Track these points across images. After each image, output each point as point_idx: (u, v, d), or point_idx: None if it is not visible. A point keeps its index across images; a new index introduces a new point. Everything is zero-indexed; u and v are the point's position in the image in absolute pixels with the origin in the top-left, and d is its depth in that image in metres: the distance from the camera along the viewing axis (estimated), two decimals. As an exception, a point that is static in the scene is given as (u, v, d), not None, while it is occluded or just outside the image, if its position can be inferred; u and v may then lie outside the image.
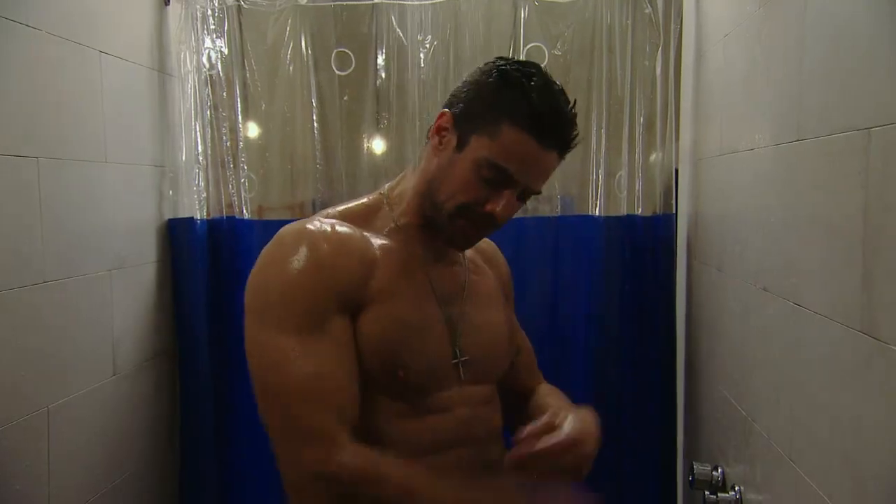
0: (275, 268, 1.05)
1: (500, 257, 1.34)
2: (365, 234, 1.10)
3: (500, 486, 1.08)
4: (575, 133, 1.07)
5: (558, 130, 1.04)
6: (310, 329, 1.00)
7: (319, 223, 1.07)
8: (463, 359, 1.11)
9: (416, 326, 1.08)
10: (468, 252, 1.22)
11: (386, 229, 1.12)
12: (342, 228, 1.07)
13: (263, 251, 1.08)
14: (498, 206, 1.04)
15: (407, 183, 1.15)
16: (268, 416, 1.04)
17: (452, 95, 1.12)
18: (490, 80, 1.06)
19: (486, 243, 1.29)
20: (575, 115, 1.07)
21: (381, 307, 1.05)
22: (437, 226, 1.09)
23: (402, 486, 1.01)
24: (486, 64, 1.11)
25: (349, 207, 1.15)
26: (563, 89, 1.07)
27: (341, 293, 1.03)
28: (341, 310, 1.03)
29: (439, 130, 1.09)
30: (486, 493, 1.07)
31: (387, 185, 1.19)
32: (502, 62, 1.08)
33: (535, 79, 1.04)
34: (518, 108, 1.02)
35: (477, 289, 1.19)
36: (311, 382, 0.99)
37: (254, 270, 1.07)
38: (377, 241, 1.10)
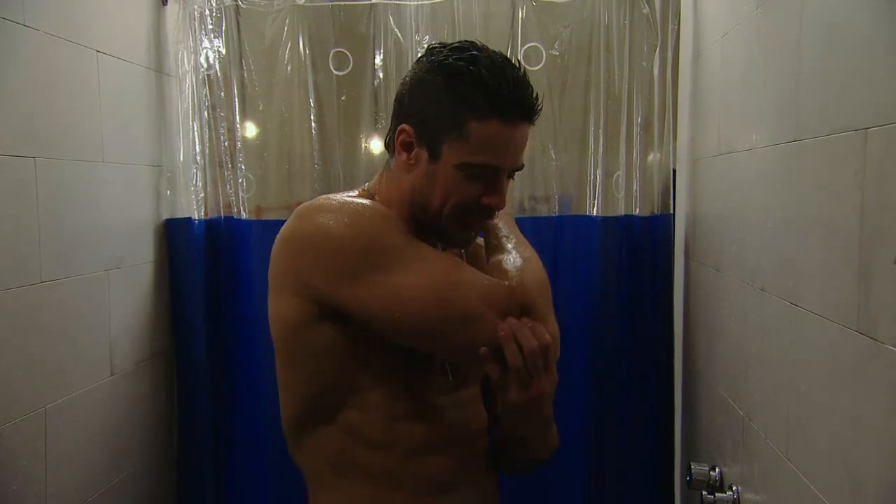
0: (340, 227, 1.01)
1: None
2: None
3: None
4: (534, 93, 1.03)
5: (520, 103, 1.01)
6: (408, 249, 1.02)
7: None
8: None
9: None
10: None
11: None
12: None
13: (300, 226, 1.04)
14: (494, 199, 1.05)
15: (387, 191, 1.11)
16: (437, 335, 1.02)
17: (402, 105, 1.07)
18: (438, 79, 1.02)
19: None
20: (526, 76, 1.03)
21: None
22: (438, 229, 1.08)
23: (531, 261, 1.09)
24: (420, 62, 1.07)
25: (348, 196, 1.12)
26: (505, 56, 1.04)
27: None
28: None
29: (403, 146, 1.06)
30: None
31: (367, 185, 1.15)
32: (437, 57, 1.03)
33: (478, 61, 1.00)
34: (475, 100, 0.99)
35: None
36: (449, 276, 1.01)
37: (301, 245, 1.03)
38: None
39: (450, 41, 1.07)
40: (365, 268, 0.99)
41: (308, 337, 1.05)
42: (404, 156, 1.06)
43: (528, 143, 1.07)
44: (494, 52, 1.04)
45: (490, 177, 1.03)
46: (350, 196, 1.09)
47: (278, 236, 1.06)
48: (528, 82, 1.03)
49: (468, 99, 0.99)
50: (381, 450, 1.08)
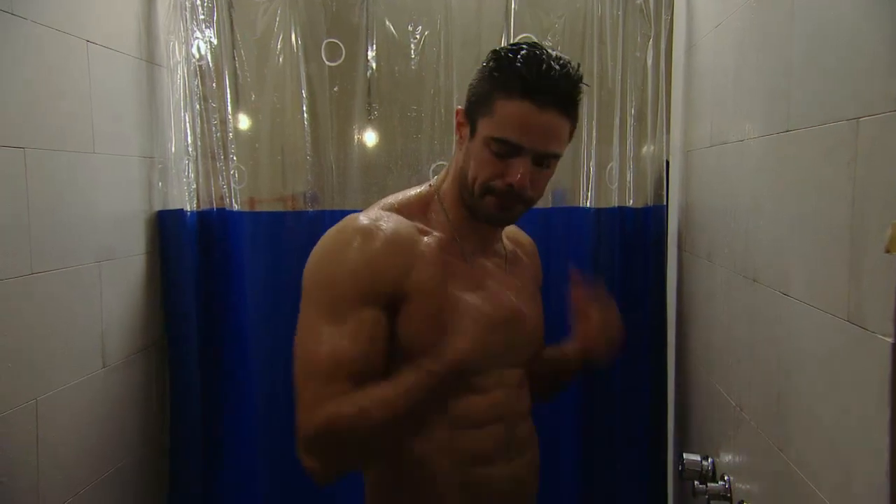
0: (329, 256, 1.13)
1: (536, 255, 1.45)
2: (419, 226, 1.18)
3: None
4: (574, 88, 1.11)
5: (550, 88, 1.08)
6: (338, 316, 1.08)
7: (376, 217, 1.15)
8: None
9: (464, 314, 1.14)
10: (508, 245, 1.32)
11: (439, 222, 1.21)
12: (396, 224, 1.14)
13: (326, 235, 1.16)
14: (514, 177, 1.11)
15: (449, 177, 1.24)
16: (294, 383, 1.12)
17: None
18: (485, 64, 1.14)
19: (526, 240, 1.43)
20: (573, 73, 1.10)
21: (424, 297, 1.12)
22: (473, 209, 1.18)
23: (374, 407, 1.06)
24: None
25: (407, 198, 1.23)
26: (558, 54, 1.11)
27: (379, 291, 1.10)
28: (374, 304, 1.10)
29: (458, 127, 1.18)
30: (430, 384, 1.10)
31: (435, 178, 1.28)
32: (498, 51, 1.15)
33: (522, 51, 1.10)
34: (505, 78, 1.09)
35: (515, 281, 1.29)
36: (320, 361, 1.07)
37: (314, 251, 1.15)
38: (431, 234, 1.18)
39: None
40: (308, 297, 1.12)
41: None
42: (457, 135, 1.19)
43: None
44: (551, 50, 1.12)
45: (511, 155, 1.11)
46: (385, 212, 1.18)
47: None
48: (569, 76, 1.10)
49: (499, 78, 1.10)
50: (432, 421, 1.15)
